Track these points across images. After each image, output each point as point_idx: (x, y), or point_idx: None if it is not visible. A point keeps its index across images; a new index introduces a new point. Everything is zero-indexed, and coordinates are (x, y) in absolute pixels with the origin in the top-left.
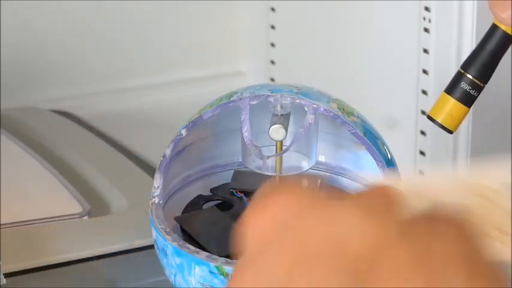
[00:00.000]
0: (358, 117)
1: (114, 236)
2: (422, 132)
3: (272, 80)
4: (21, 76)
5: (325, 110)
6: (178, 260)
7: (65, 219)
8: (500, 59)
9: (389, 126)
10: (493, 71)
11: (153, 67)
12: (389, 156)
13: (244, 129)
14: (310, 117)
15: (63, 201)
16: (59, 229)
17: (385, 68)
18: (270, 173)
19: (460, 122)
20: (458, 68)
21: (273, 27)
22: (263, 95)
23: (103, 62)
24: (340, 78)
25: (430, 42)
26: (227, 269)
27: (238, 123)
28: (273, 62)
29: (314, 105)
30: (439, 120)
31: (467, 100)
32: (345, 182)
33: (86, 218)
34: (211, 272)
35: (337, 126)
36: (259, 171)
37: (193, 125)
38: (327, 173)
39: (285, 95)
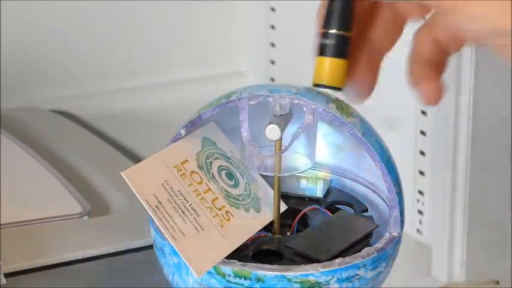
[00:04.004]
0: (357, 117)
1: (114, 236)
2: (422, 132)
3: (272, 80)
4: (21, 76)
5: (324, 110)
6: (175, 260)
7: (65, 219)
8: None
9: (389, 126)
10: (351, 16)
11: (153, 67)
12: (388, 157)
13: (242, 129)
14: (308, 118)
15: (63, 201)
16: (59, 229)
17: (384, 67)
18: (268, 173)
19: (344, 77)
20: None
21: (273, 27)
22: (262, 95)
23: (103, 62)
24: None
25: None
26: (224, 269)
27: (237, 123)
28: (273, 62)
29: (313, 106)
30: (324, 83)
31: (340, 52)
32: (345, 182)
33: (86, 218)
34: (208, 272)
35: (337, 127)
36: (258, 172)
37: (192, 124)
38: (327, 174)
39: (284, 95)
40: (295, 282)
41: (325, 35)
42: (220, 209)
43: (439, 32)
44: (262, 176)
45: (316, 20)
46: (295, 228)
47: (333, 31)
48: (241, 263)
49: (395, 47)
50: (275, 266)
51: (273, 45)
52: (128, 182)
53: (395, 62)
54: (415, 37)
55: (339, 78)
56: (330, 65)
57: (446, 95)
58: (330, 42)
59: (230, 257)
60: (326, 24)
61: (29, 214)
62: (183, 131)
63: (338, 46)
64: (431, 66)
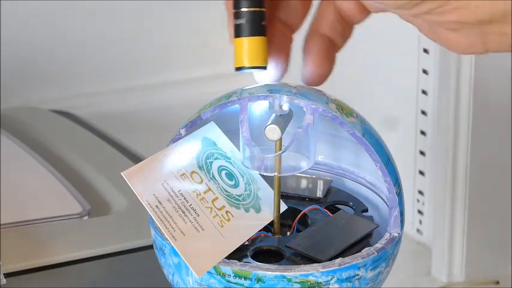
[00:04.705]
0: (357, 117)
1: (114, 236)
2: (422, 132)
3: None
4: (21, 76)
5: (324, 110)
6: (175, 260)
7: (65, 219)
8: None
9: (390, 127)
10: None
11: (153, 67)
12: (388, 157)
13: (242, 130)
14: (308, 118)
15: (63, 201)
16: (59, 229)
17: (385, 68)
18: (268, 174)
19: (265, 54)
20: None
21: None
22: (262, 95)
23: (103, 62)
24: (340, 79)
25: (430, 42)
26: (224, 269)
27: (237, 123)
28: None
29: (313, 106)
30: (246, 65)
31: (257, 30)
32: (345, 182)
33: (86, 218)
34: (208, 272)
35: (337, 127)
36: (258, 172)
37: (192, 124)
38: (327, 174)
39: (284, 95)
40: (295, 282)
41: (237, 15)
42: (220, 209)
43: (342, 1)
44: (262, 176)
45: (226, 2)
46: (295, 228)
47: (245, 9)
48: (241, 263)
49: (395, 48)
50: (275, 266)
51: None
52: (128, 182)
53: (396, 62)
54: (318, 7)
55: (260, 56)
56: (248, 45)
57: (447, 95)
58: (243, 21)
59: (230, 257)
60: (237, 4)
61: (29, 214)
62: (183, 131)
63: (253, 24)
64: (328, 41)
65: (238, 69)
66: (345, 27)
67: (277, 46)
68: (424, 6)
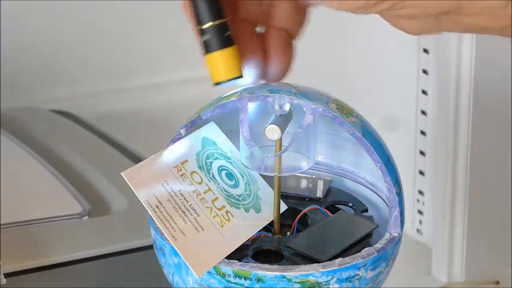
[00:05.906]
0: (357, 117)
1: (114, 236)
2: (422, 132)
3: None
4: (21, 76)
5: (324, 110)
6: (175, 260)
7: (65, 219)
8: None
9: (390, 127)
10: (219, 1)
11: (152, 67)
12: (388, 157)
13: (243, 130)
14: (308, 118)
15: (63, 201)
16: (59, 229)
17: (385, 68)
18: (268, 174)
19: (239, 63)
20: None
21: None
22: (262, 95)
23: (103, 62)
24: (340, 79)
25: (430, 42)
26: (224, 269)
27: (237, 123)
28: None
29: (313, 106)
30: (223, 79)
31: (225, 42)
32: (345, 182)
33: (86, 218)
34: (208, 272)
35: (337, 127)
36: (258, 172)
37: (192, 124)
38: (327, 174)
39: (284, 95)
40: (295, 282)
41: (202, 32)
42: (220, 209)
43: None
44: (262, 176)
45: (188, 19)
46: (295, 228)
47: (208, 25)
48: (241, 263)
49: (395, 48)
50: (275, 266)
51: None
52: (127, 182)
53: (396, 62)
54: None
55: (234, 67)
56: (221, 59)
57: (447, 95)
58: (210, 37)
59: (230, 257)
60: (199, 21)
61: (29, 214)
62: (183, 131)
63: (219, 37)
64: (286, 35)
65: (217, 84)
66: (301, 12)
67: (248, 47)
68: (379, 7)
